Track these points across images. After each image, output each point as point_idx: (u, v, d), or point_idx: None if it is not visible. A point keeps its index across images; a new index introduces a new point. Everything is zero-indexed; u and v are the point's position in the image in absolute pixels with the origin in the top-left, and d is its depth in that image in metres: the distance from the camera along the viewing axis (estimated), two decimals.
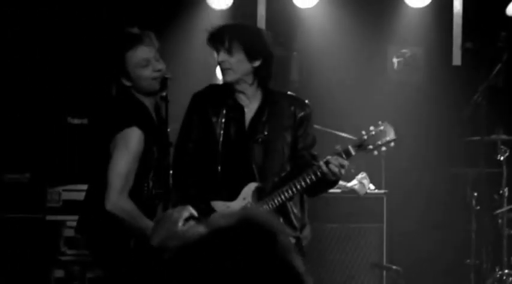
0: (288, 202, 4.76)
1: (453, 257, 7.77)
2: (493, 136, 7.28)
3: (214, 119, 4.80)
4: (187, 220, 4.51)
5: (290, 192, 4.67)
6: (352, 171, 7.22)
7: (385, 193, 7.22)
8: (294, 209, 4.84)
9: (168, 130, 5.21)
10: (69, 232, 6.57)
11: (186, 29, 7.99)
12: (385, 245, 7.24)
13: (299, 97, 4.94)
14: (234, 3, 8.13)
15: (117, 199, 4.59)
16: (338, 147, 4.68)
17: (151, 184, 4.79)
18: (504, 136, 7.30)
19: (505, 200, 7.18)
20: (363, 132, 4.71)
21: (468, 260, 7.33)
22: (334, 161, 4.58)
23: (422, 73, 8.44)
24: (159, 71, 4.75)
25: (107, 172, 4.62)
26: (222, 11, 8.10)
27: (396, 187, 7.56)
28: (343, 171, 4.63)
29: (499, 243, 7.11)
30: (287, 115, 4.80)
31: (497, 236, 7.14)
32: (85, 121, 7.07)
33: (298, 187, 4.66)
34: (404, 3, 8.27)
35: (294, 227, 4.82)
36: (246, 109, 4.81)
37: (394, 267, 7.14)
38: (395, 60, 8.16)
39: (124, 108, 4.77)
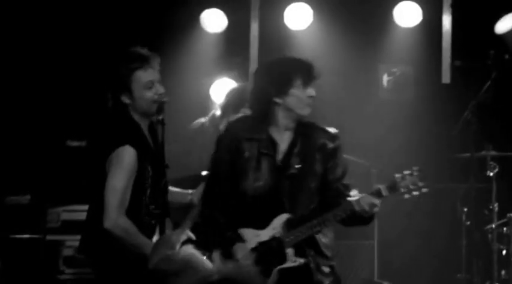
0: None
1: (444, 272, 7.82)
2: (483, 153, 7.34)
3: (246, 153, 4.85)
4: (184, 243, 4.62)
5: (319, 227, 4.76)
6: None
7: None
8: (323, 239, 4.89)
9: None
10: (68, 252, 6.69)
11: (181, 52, 8.09)
12: (376, 261, 7.32)
13: (329, 129, 4.96)
14: (228, 26, 8.24)
15: (115, 217, 4.67)
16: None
17: (148, 202, 4.87)
18: (493, 153, 7.36)
19: (495, 215, 7.22)
20: (396, 175, 4.76)
21: (459, 275, 7.38)
22: (366, 199, 4.68)
23: (412, 91, 8.53)
24: (160, 94, 4.83)
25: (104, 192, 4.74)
26: (216, 34, 8.22)
27: (387, 205, 7.65)
28: (375, 210, 4.72)
29: (490, 258, 7.17)
30: (318, 148, 4.86)
31: (487, 251, 7.18)
32: (83, 143, 7.14)
33: (328, 223, 4.75)
34: (394, 23, 8.40)
35: (325, 257, 4.89)
36: (278, 143, 4.87)
37: (385, 283, 7.22)
38: (385, 78, 8.27)
39: (118, 127, 4.85)
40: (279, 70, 4.81)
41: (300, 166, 4.81)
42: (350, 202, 4.68)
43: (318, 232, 4.78)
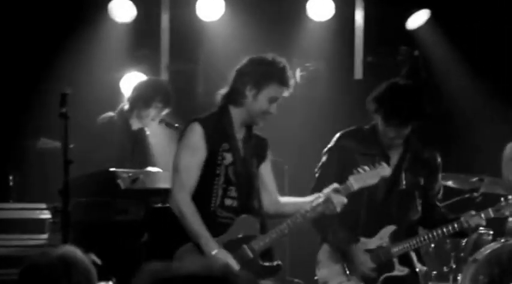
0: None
1: None
2: None
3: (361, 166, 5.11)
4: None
5: (428, 241, 5.24)
6: None
7: None
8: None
9: (71, 146, 5.16)
10: None
11: (89, 42, 7.85)
12: (288, 260, 7.29)
13: (431, 147, 5.30)
14: (137, 16, 8.05)
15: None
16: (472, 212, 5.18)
17: None
18: None
19: None
20: (502, 199, 5.25)
21: None
22: (475, 220, 5.12)
23: (324, 87, 8.50)
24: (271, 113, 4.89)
25: None
26: (125, 25, 8.03)
27: None
28: (479, 229, 5.39)
29: None
30: (423, 164, 5.23)
31: None
32: None
33: (437, 238, 5.20)
34: (307, 16, 8.34)
35: (424, 264, 5.39)
36: (390, 158, 5.16)
37: (296, 280, 7.22)
38: (298, 73, 8.19)
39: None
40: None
41: (407, 180, 5.18)
42: (461, 221, 5.12)
43: (425, 245, 5.40)
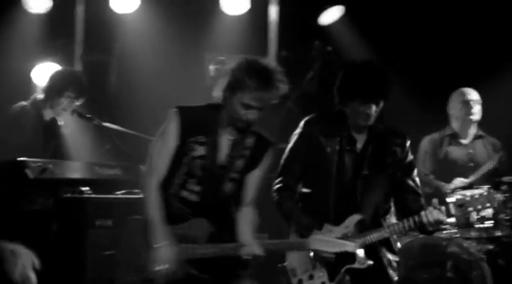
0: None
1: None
2: None
3: (328, 149, 5.06)
4: None
5: (388, 235, 5.08)
6: None
7: None
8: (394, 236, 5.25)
9: None
10: None
11: (3, 32, 7.76)
12: None
13: (399, 131, 5.25)
14: (52, 7, 8.01)
15: None
16: (436, 202, 5.03)
17: None
18: None
19: None
20: (467, 194, 5.20)
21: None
22: (435, 215, 4.98)
23: None
24: (248, 118, 4.70)
25: None
26: (39, 15, 7.98)
27: None
28: (441, 226, 5.17)
29: None
30: (389, 153, 5.14)
31: None
32: None
33: (398, 233, 5.10)
34: (221, 11, 8.42)
35: (395, 253, 5.25)
36: (357, 141, 5.13)
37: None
38: (212, 67, 8.27)
39: None
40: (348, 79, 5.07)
41: (371, 167, 5.10)
42: (420, 215, 4.97)
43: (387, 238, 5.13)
